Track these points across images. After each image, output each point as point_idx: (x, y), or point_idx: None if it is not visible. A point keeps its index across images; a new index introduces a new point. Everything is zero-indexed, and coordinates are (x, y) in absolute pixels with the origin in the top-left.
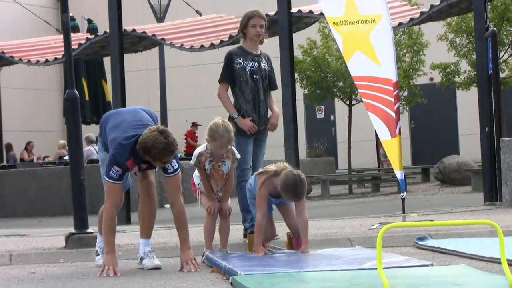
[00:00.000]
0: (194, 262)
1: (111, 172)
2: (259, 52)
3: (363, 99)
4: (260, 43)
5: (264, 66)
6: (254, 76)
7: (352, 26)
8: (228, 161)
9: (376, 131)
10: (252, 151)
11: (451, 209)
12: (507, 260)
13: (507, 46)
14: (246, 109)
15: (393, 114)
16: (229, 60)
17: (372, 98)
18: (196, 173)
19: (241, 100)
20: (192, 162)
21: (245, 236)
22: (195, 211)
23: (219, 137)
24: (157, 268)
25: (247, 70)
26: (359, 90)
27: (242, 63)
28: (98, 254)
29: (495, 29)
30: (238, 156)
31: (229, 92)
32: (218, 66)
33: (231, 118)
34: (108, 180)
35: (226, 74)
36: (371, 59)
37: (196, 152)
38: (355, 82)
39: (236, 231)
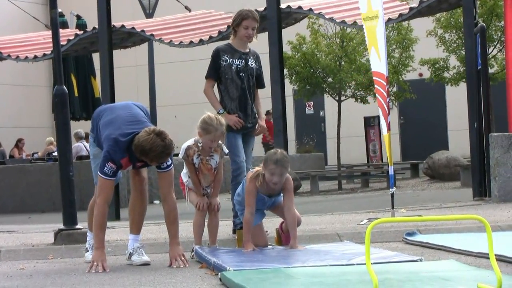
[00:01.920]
0: (183, 258)
1: (105, 168)
2: (247, 50)
3: (376, 95)
4: (249, 42)
5: (252, 64)
6: (241, 74)
7: (370, 22)
8: (216, 155)
9: (381, 126)
10: None
11: (440, 204)
12: (495, 255)
13: (496, 42)
14: (231, 107)
15: (386, 109)
16: (216, 56)
17: (379, 93)
18: (184, 170)
19: (226, 98)
20: (180, 156)
21: (234, 231)
22: (184, 207)
23: (214, 130)
24: (146, 264)
25: (233, 67)
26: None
27: (228, 60)
28: (88, 251)
29: (484, 24)
30: (226, 150)
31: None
32: (208, 62)
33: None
34: (102, 176)
35: (212, 71)
36: (377, 54)
37: (184, 146)
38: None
39: (226, 226)
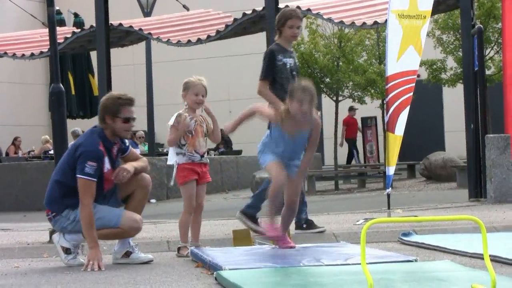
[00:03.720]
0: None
1: (86, 168)
2: (291, 49)
3: (407, 95)
4: (295, 40)
5: (297, 62)
6: (293, 73)
7: (412, 20)
8: (205, 123)
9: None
10: None
11: (436, 205)
12: (490, 256)
13: (493, 43)
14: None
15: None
16: (272, 57)
17: (407, 91)
18: (171, 151)
19: (283, 96)
20: (170, 122)
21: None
22: (170, 208)
23: (193, 84)
24: (150, 261)
25: (288, 67)
26: (407, 86)
27: (282, 60)
28: (70, 253)
29: (481, 26)
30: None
31: None
32: (205, 61)
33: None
34: (84, 177)
35: (269, 72)
36: (418, 52)
37: (174, 114)
38: (401, 79)
39: (222, 226)
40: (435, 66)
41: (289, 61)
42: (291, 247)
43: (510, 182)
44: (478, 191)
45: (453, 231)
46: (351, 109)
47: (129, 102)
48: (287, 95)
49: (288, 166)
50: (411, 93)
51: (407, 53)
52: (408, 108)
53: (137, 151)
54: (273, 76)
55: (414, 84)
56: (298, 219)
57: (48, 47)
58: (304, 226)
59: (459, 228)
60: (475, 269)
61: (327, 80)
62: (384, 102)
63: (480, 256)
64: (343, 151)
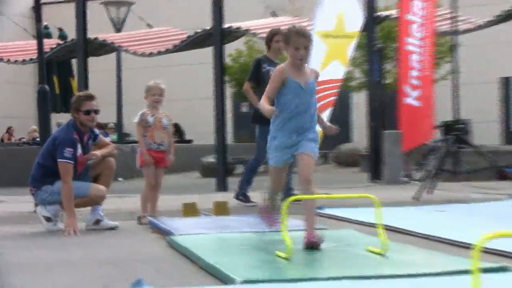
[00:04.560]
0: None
1: (64, 153)
2: (277, 61)
3: (331, 98)
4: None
5: None
6: None
7: (338, 39)
8: (165, 118)
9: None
10: None
11: (344, 185)
12: (382, 225)
13: (391, 59)
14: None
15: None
16: (257, 64)
17: (332, 95)
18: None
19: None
20: (135, 120)
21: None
22: (134, 185)
23: (152, 87)
24: (115, 228)
25: (270, 73)
26: (328, 92)
27: (267, 68)
28: (51, 221)
29: (382, 46)
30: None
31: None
32: (167, 69)
33: (256, 109)
34: (64, 160)
35: (253, 75)
36: (344, 64)
37: (139, 112)
38: (324, 85)
39: (175, 200)
40: (345, 76)
41: (272, 69)
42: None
43: (400, 168)
44: (376, 175)
45: (357, 205)
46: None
47: (88, 97)
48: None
49: (301, 141)
50: (335, 97)
51: (331, 65)
52: (330, 109)
53: (109, 139)
54: (258, 80)
55: (337, 90)
56: (243, 192)
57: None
58: (241, 198)
59: (362, 203)
60: (371, 236)
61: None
62: None
63: (376, 226)
64: None
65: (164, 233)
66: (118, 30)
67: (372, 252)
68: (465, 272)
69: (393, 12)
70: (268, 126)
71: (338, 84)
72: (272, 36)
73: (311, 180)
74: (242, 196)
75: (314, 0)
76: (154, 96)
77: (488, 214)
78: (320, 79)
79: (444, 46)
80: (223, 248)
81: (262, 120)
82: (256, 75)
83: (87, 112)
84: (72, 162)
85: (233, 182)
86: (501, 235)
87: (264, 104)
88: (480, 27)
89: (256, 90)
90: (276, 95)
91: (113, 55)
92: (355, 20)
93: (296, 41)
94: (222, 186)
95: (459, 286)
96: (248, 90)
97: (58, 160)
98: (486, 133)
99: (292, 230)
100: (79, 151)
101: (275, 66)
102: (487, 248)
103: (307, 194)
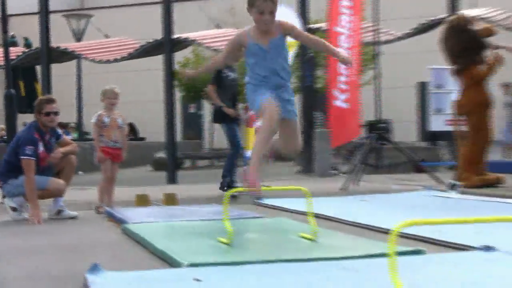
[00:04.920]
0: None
1: (26, 151)
2: (234, 67)
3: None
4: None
5: (236, 75)
6: (233, 82)
7: None
8: (120, 117)
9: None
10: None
11: (280, 177)
12: (312, 213)
13: (321, 66)
14: (228, 104)
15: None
16: (218, 70)
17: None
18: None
19: (224, 96)
20: (92, 120)
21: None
22: (93, 178)
23: (107, 91)
24: (75, 217)
25: (229, 78)
26: None
27: (227, 73)
28: (16, 211)
29: (313, 54)
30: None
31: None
32: (123, 74)
33: (218, 107)
34: (26, 157)
35: (214, 80)
36: None
37: (96, 113)
38: None
39: (129, 192)
40: None
41: (231, 74)
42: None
43: (329, 163)
44: (308, 168)
45: (291, 196)
46: None
47: (49, 101)
48: (227, 98)
49: (282, 99)
50: None
51: None
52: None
53: (69, 137)
54: (219, 83)
55: None
56: (226, 183)
57: (4, 62)
58: (226, 189)
59: (296, 194)
60: (304, 223)
61: (206, 89)
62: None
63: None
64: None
65: (119, 221)
66: (78, 39)
67: (304, 237)
68: (384, 255)
69: (323, 25)
70: (230, 123)
71: None
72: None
73: (298, 150)
74: (227, 187)
75: None
76: (109, 99)
77: (406, 203)
78: None
79: (368, 54)
80: (172, 235)
81: (224, 119)
82: (217, 79)
83: (48, 114)
84: (34, 158)
85: (182, 175)
86: (414, 223)
87: (208, 65)
88: (399, 38)
89: (218, 92)
90: (246, 59)
91: (74, 62)
92: None
93: (261, 4)
94: (172, 179)
95: (380, 267)
96: (211, 91)
97: (21, 157)
98: (405, 131)
99: (233, 218)
100: (41, 148)
101: (232, 71)
102: (404, 234)
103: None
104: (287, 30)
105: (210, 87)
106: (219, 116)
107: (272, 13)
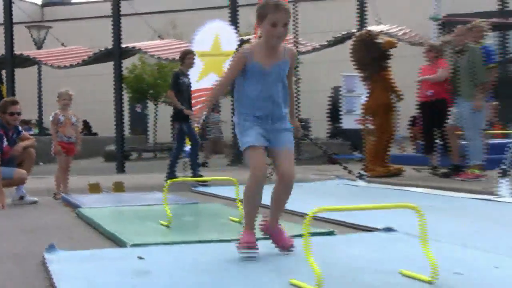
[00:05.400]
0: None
1: None
2: (188, 73)
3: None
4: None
5: (190, 81)
6: (188, 87)
7: (214, 57)
8: (74, 117)
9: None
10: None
11: (214, 168)
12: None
13: None
14: (186, 107)
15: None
16: (176, 77)
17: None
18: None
19: (181, 100)
20: (50, 119)
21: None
22: (51, 168)
23: (61, 94)
24: (34, 202)
25: (185, 84)
26: (205, 98)
27: (183, 79)
28: None
29: None
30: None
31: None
32: (79, 78)
33: (179, 110)
34: None
35: (174, 86)
36: (219, 76)
37: (53, 112)
38: (201, 92)
39: (83, 180)
40: None
41: (186, 80)
42: (290, 246)
43: None
44: (237, 160)
45: (223, 184)
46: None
47: (13, 102)
48: (185, 101)
49: (276, 129)
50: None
51: (208, 77)
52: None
53: (31, 132)
54: (177, 88)
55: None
56: (171, 175)
57: None
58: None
59: (227, 182)
60: (233, 208)
61: (151, 91)
62: None
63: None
64: (162, 133)
65: (74, 206)
66: (39, 47)
67: (233, 220)
68: (300, 235)
69: (251, 37)
70: (188, 122)
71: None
72: (185, 55)
73: (293, 180)
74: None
75: (193, 26)
76: (64, 100)
77: (322, 190)
78: (197, 87)
79: None
80: (119, 218)
81: (184, 119)
82: (175, 85)
83: (12, 114)
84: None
85: (129, 166)
86: (325, 209)
87: (214, 91)
88: (316, 49)
89: (177, 96)
90: (241, 79)
91: (35, 67)
92: (230, 42)
93: (274, 15)
94: (120, 169)
95: (298, 246)
96: (172, 96)
97: None
98: (321, 129)
99: (172, 204)
100: (5, 143)
101: (187, 77)
102: (320, 217)
103: (288, 193)
104: (293, 58)
105: (170, 92)
106: (179, 117)
107: (286, 25)
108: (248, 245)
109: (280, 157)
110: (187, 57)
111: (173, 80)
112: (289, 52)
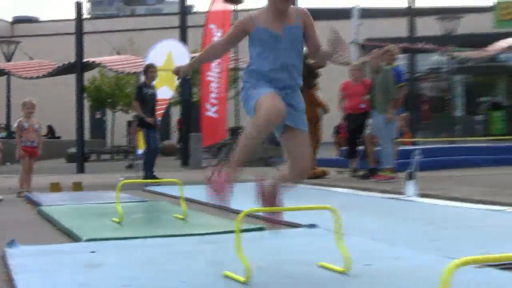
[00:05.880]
0: None
1: None
2: (153, 84)
3: (160, 111)
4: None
5: (156, 91)
6: (152, 96)
7: (167, 72)
8: (37, 124)
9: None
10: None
11: (164, 169)
12: (183, 198)
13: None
14: (147, 115)
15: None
16: (139, 88)
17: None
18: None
19: (145, 110)
20: (14, 126)
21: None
22: (16, 169)
23: (25, 103)
24: (1, 200)
25: (149, 94)
26: (160, 106)
27: (146, 90)
28: None
29: (190, 76)
30: (42, 127)
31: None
32: (44, 88)
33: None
34: None
35: (138, 96)
36: (173, 89)
37: (18, 120)
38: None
39: (45, 179)
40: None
41: (150, 91)
42: (279, 222)
43: (200, 156)
44: (185, 162)
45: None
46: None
47: None
48: (148, 110)
49: (288, 110)
50: (164, 111)
51: (162, 89)
52: (159, 119)
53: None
54: (142, 99)
55: (166, 106)
56: (148, 175)
57: None
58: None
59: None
60: (178, 206)
61: (109, 100)
62: None
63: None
64: (118, 136)
65: (35, 204)
66: (9, 60)
67: (177, 217)
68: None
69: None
70: (150, 129)
71: (167, 101)
72: (148, 68)
73: (308, 169)
74: (151, 177)
75: (149, 42)
76: (28, 109)
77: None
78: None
79: (232, 77)
80: (76, 216)
81: (145, 126)
82: (139, 96)
83: None
84: None
85: (89, 166)
86: (257, 210)
87: (203, 56)
88: None
89: (141, 106)
90: (249, 49)
91: (4, 78)
92: (182, 58)
93: None
94: (80, 169)
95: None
96: (136, 106)
97: None
98: None
99: (124, 202)
100: None
101: (151, 88)
102: (253, 215)
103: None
104: (306, 17)
105: (135, 102)
106: (142, 124)
107: None
108: (217, 189)
109: (292, 141)
110: (149, 71)
111: (136, 92)
112: (299, 12)
